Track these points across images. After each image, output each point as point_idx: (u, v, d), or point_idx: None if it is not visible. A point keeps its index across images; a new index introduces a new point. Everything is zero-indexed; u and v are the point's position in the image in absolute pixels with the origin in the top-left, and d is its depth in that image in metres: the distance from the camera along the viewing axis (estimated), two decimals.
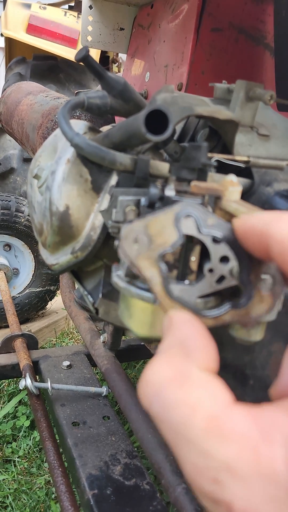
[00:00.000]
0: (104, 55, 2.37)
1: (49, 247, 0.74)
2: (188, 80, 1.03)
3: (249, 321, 0.33)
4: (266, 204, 0.68)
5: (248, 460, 0.18)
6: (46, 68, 2.20)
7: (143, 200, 0.63)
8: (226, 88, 0.74)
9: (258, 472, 0.18)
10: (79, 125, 0.71)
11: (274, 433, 0.18)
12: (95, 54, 2.07)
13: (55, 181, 0.69)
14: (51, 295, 1.70)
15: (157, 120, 0.56)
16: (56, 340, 1.75)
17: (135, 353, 1.42)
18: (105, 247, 0.71)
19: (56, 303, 1.81)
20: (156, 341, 0.65)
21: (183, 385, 0.21)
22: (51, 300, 1.73)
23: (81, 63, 0.70)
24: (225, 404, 0.20)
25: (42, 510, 1.19)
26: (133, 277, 0.61)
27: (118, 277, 0.62)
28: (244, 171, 0.70)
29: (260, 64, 1.05)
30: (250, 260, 0.34)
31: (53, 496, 1.20)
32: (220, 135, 0.70)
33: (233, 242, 0.36)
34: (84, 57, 0.68)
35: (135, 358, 1.47)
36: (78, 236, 0.70)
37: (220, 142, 0.74)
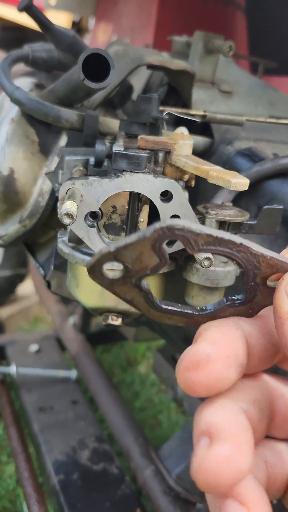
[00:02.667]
0: (78, 27, 2.28)
1: None
2: (155, 42, 0.97)
3: (251, 313, 0.29)
4: (227, 164, 0.63)
5: None
6: (15, 40, 2.12)
7: (92, 160, 0.58)
8: (184, 41, 0.68)
9: None
10: (25, 82, 0.65)
11: None
12: (66, 21, 1.97)
13: None
14: (22, 278, 1.64)
15: (101, 69, 0.51)
16: (29, 326, 1.70)
17: (107, 336, 1.37)
18: (56, 214, 0.65)
19: (29, 288, 1.75)
20: (106, 311, 0.59)
21: None
22: (21, 282, 1.67)
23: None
24: None
25: (12, 498, 1.15)
26: (77, 242, 0.56)
27: (62, 243, 0.57)
28: (204, 130, 0.65)
29: (231, 25, 0.99)
30: (256, 267, 0.28)
31: None
32: (177, 90, 0.64)
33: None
34: (27, 7, 0.62)
35: (107, 340, 1.42)
36: (26, 203, 0.65)
37: (180, 99, 0.69)
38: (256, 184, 0.61)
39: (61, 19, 1.67)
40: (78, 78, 0.51)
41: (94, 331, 1.28)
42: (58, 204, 0.50)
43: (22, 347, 1.19)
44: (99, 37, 1.18)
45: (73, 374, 1.11)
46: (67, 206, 0.42)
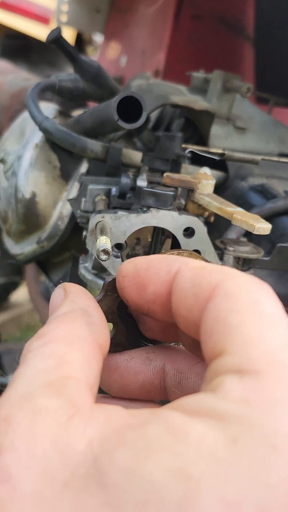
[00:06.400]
0: (79, 37, 2.30)
1: (13, 236, 0.70)
2: (165, 67, 1.00)
3: None
4: (240, 199, 0.67)
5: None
6: (18, 48, 2.13)
7: (114, 190, 0.60)
8: (203, 77, 0.71)
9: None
10: (49, 109, 0.67)
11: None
12: (71, 34, 2.01)
13: (21, 166, 0.65)
14: (15, 286, 1.64)
15: (131, 107, 0.54)
16: (20, 335, 1.69)
17: None
18: (73, 237, 0.67)
19: (21, 295, 1.75)
20: None
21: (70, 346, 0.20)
22: (14, 290, 1.67)
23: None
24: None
25: None
26: (100, 269, 0.59)
27: (85, 269, 0.59)
28: (219, 164, 0.68)
29: (239, 55, 1.03)
30: None
31: None
32: (196, 125, 0.67)
33: None
34: (56, 39, 0.64)
35: None
36: (45, 225, 0.67)
37: (196, 133, 0.72)
38: (268, 219, 0.65)
39: (65, 32, 1.69)
40: (110, 116, 0.53)
41: None
42: (88, 235, 0.52)
43: (18, 357, 1.19)
44: (108, 54, 1.21)
45: None
46: (103, 243, 0.44)
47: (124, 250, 0.54)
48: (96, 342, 0.22)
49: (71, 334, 0.21)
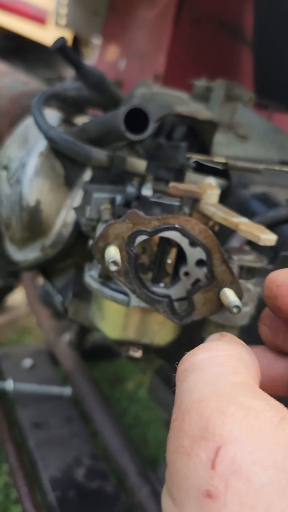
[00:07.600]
0: (75, 38, 2.29)
1: (17, 242, 0.70)
2: (165, 71, 1.00)
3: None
4: (242, 207, 0.67)
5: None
6: (14, 48, 2.12)
7: (119, 199, 0.60)
8: (205, 86, 0.72)
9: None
10: (53, 117, 0.68)
11: None
12: (68, 36, 2.01)
13: (26, 174, 0.65)
14: (11, 289, 1.63)
15: (136, 116, 0.54)
16: (17, 338, 1.68)
17: (100, 353, 1.39)
18: (77, 244, 0.67)
19: (18, 298, 1.74)
20: (128, 343, 0.62)
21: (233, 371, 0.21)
22: (10, 293, 1.65)
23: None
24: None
25: (2, 510, 1.15)
26: (107, 278, 0.59)
27: (91, 278, 0.60)
28: (221, 172, 0.68)
29: (238, 59, 1.04)
30: None
31: (12, 496, 1.17)
32: (197, 133, 0.68)
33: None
34: (61, 47, 0.64)
35: (100, 357, 1.44)
36: (49, 232, 0.67)
37: (198, 140, 0.72)
38: (269, 228, 0.65)
39: (61, 34, 1.68)
40: (117, 127, 0.53)
41: (87, 347, 1.30)
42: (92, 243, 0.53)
43: (15, 361, 1.20)
44: (106, 57, 1.21)
45: (67, 391, 1.12)
46: (112, 254, 0.44)
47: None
48: (255, 369, 0.22)
49: (236, 353, 0.22)
